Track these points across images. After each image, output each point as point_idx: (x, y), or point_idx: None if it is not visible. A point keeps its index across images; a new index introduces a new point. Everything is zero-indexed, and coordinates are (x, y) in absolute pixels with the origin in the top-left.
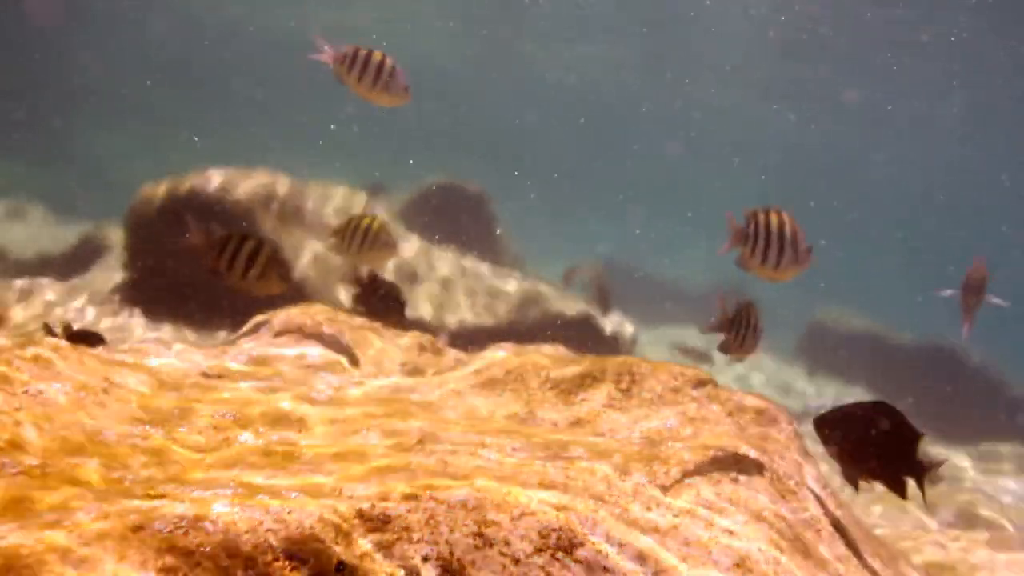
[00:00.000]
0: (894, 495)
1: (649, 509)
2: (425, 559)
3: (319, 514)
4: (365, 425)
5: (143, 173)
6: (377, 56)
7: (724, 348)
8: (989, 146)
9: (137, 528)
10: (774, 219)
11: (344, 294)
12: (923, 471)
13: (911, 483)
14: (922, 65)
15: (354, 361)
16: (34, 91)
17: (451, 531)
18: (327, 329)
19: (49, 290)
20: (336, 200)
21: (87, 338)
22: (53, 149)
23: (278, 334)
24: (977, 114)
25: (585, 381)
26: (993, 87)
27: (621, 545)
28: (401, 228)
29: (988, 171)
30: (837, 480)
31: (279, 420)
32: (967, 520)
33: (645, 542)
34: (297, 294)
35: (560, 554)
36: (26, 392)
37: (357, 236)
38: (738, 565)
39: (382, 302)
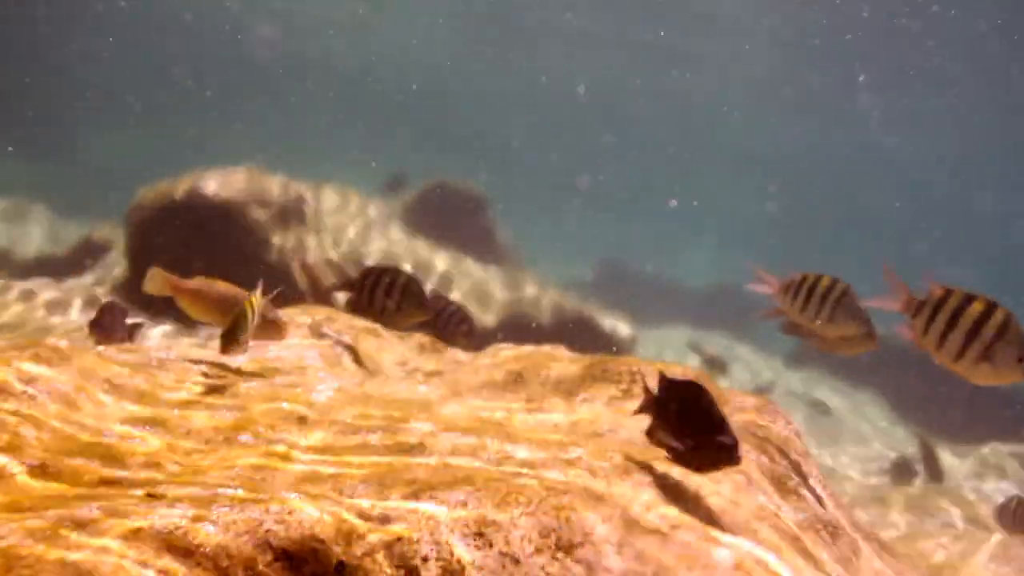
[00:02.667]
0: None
1: (649, 509)
2: (425, 559)
3: (319, 514)
4: (365, 425)
5: (144, 173)
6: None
7: (788, 330)
8: (991, 144)
9: (137, 529)
10: (977, 306)
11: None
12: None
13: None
14: (924, 61)
15: (354, 361)
16: (35, 91)
17: (451, 531)
18: (327, 330)
19: (49, 290)
20: (336, 200)
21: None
22: (54, 149)
23: None
24: (980, 109)
25: (586, 381)
26: (996, 82)
27: (621, 546)
28: (399, 226)
29: (989, 170)
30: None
31: (279, 420)
32: (970, 521)
33: (645, 543)
34: (298, 295)
35: (560, 554)
36: (26, 392)
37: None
38: (738, 566)
39: (450, 322)
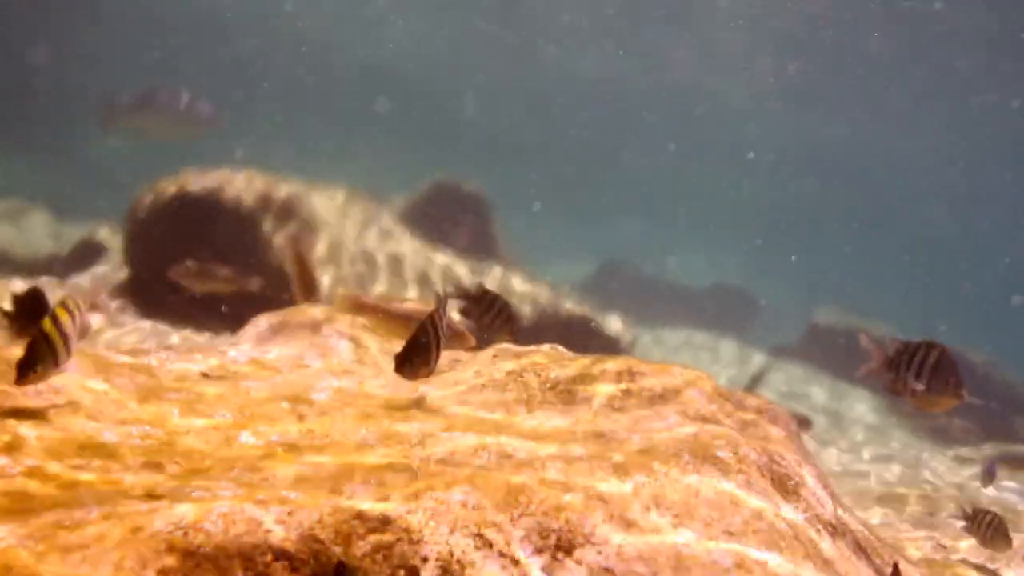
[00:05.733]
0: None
1: (649, 509)
2: (425, 559)
3: (319, 515)
4: (365, 425)
5: (143, 173)
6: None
7: (893, 389)
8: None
9: (137, 529)
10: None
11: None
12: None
13: None
14: (925, 62)
15: (354, 361)
16: (34, 90)
17: (451, 532)
18: (327, 330)
19: (51, 290)
20: (336, 201)
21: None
22: (53, 149)
23: (278, 334)
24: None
25: (585, 381)
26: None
27: (621, 546)
28: (400, 227)
29: (992, 172)
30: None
31: (279, 420)
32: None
33: (645, 543)
34: (290, 294)
35: (560, 554)
36: (25, 393)
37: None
38: (738, 566)
39: (494, 318)
